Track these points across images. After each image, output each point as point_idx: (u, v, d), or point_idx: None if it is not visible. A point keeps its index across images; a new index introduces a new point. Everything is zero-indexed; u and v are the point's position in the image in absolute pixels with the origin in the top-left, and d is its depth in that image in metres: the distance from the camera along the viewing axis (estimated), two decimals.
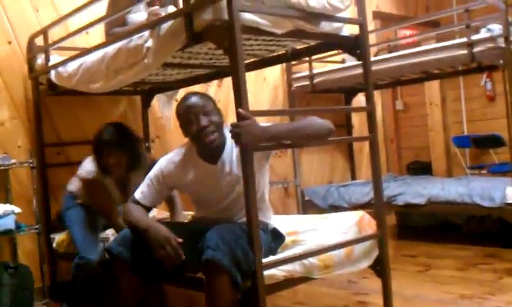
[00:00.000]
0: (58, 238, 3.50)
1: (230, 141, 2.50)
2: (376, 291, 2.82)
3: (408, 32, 6.45)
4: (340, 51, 3.79)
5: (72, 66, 3.27)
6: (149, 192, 2.61)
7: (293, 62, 5.16)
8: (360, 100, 5.61)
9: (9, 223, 3.12)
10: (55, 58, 3.50)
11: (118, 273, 2.48)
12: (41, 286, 3.56)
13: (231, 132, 2.14)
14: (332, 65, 5.27)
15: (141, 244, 2.40)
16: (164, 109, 4.22)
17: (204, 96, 2.55)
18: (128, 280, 2.47)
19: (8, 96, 3.70)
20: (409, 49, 4.67)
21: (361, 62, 2.74)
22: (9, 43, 3.74)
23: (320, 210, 4.98)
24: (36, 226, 3.42)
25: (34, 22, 3.81)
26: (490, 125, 6.26)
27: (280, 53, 3.14)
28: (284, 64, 5.21)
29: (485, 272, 3.75)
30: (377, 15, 6.22)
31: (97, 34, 3.73)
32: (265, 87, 5.27)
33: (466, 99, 6.66)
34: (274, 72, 5.30)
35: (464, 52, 4.16)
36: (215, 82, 4.51)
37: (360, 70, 2.81)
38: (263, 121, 2.32)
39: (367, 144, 2.86)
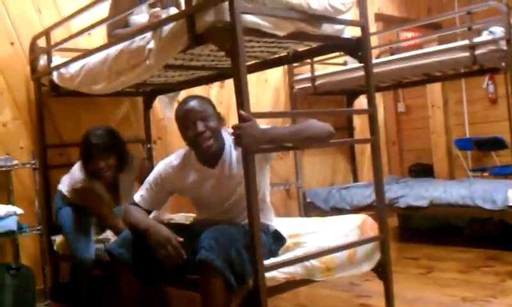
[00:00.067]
0: (59, 239, 3.50)
1: (229, 144, 2.50)
2: (378, 294, 2.81)
3: (409, 34, 6.45)
4: (341, 53, 3.78)
5: (74, 68, 3.28)
6: (148, 195, 2.61)
7: (295, 64, 5.16)
8: (361, 102, 5.61)
9: (11, 224, 3.12)
10: (57, 59, 3.51)
11: (118, 274, 2.49)
12: (43, 287, 3.56)
13: (232, 134, 2.14)
14: (334, 67, 5.27)
15: (142, 245, 2.40)
16: (166, 110, 4.23)
17: (203, 100, 2.55)
18: (129, 281, 2.48)
19: (10, 97, 3.71)
20: (411, 51, 4.67)
21: (362, 64, 2.74)
22: (12, 44, 3.74)
23: (322, 212, 4.98)
24: (38, 227, 3.42)
25: (37, 23, 3.82)
26: (492, 127, 6.26)
27: (281, 55, 3.14)
28: (286, 66, 5.21)
29: (487, 275, 3.75)
30: (379, 17, 6.22)
31: (99, 36, 3.73)
32: (267, 88, 5.27)
33: (468, 101, 6.65)
34: (276, 74, 5.30)
35: (466, 54, 4.15)
36: (217, 83, 4.51)
37: (361, 72, 2.82)
38: (264, 123, 2.33)
39: (368, 146, 2.86)
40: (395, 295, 2.71)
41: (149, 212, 2.65)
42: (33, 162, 3.53)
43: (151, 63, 2.58)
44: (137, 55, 2.68)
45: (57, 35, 3.55)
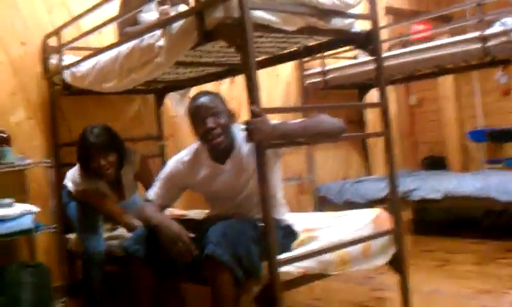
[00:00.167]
0: (73, 237, 3.52)
1: (239, 139, 2.51)
2: (393, 287, 2.81)
3: (420, 27, 6.40)
4: (352, 47, 3.77)
5: (85, 66, 3.30)
6: (161, 192, 2.64)
7: (305, 59, 5.15)
8: (373, 95, 5.59)
9: (27, 223, 3.14)
10: (68, 58, 3.53)
11: (134, 270, 2.50)
12: (59, 284, 3.59)
13: (244, 129, 2.14)
14: (344, 61, 5.26)
15: (156, 241, 2.42)
16: (177, 107, 4.24)
17: (214, 96, 2.55)
18: (144, 277, 2.49)
19: (23, 97, 3.74)
20: (422, 44, 4.64)
21: (373, 58, 2.73)
22: (24, 44, 3.76)
23: (335, 206, 4.97)
24: (54, 226, 3.45)
25: (47, 23, 3.83)
26: (505, 118, 6.20)
27: (292, 50, 3.14)
28: (296, 60, 5.20)
29: (503, 267, 3.72)
30: (389, 10, 6.19)
31: (110, 34, 3.74)
32: (278, 83, 5.27)
33: (481, 93, 6.59)
34: (287, 68, 5.30)
35: (478, 46, 4.13)
36: (227, 79, 4.51)
37: (372, 66, 2.81)
38: (276, 118, 2.33)
39: (381, 139, 2.85)
40: (410, 288, 2.70)
41: (163, 208, 2.66)
42: (47, 160, 3.55)
43: (161, 60, 2.58)
44: (148, 52, 2.69)
45: (68, 34, 3.57)
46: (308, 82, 5.38)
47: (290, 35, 2.58)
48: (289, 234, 2.59)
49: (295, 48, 3.11)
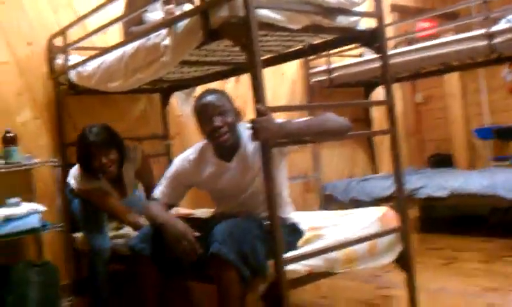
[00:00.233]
0: (79, 236, 3.53)
1: (245, 137, 2.51)
2: (400, 285, 2.80)
3: (425, 24, 6.39)
4: (357, 45, 3.78)
5: (91, 66, 3.31)
6: (167, 190, 2.66)
7: (311, 57, 5.15)
8: (379, 93, 5.57)
9: (34, 222, 3.15)
10: (74, 58, 3.54)
11: (140, 269, 2.51)
12: (66, 283, 3.60)
13: (250, 128, 2.14)
14: (350, 59, 5.25)
15: (162, 239, 2.43)
16: (183, 106, 4.25)
17: (221, 94, 2.56)
18: (151, 275, 2.50)
19: (29, 97, 3.75)
20: (428, 42, 4.63)
21: (379, 55, 2.72)
22: (30, 44, 3.78)
23: (341, 205, 4.97)
24: (61, 224, 3.46)
25: (53, 23, 3.84)
26: None
27: (297, 48, 3.13)
28: (302, 58, 5.20)
29: (510, 265, 3.71)
30: (394, 7, 6.18)
31: (115, 33, 3.75)
32: (284, 82, 5.27)
33: (487, 90, 6.57)
34: (292, 67, 5.30)
35: (484, 43, 4.11)
36: (233, 78, 4.51)
37: (378, 64, 2.80)
38: (281, 117, 2.33)
39: (387, 137, 2.84)
40: (417, 286, 2.70)
41: (169, 207, 2.67)
42: (54, 160, 3.56)
43: (167, 60, 2.59)
44: (153, 52, 2.69)
45: (73, 34, 3.58)
46: (313, 80, 5.38)
47: (295, 33, 2.57)
48: (294, 232, 2.59)
49: (300, 47, 3.10)
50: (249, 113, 2.29)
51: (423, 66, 4.85)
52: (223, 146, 2.51)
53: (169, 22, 2.58)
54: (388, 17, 5.80)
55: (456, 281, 3.44)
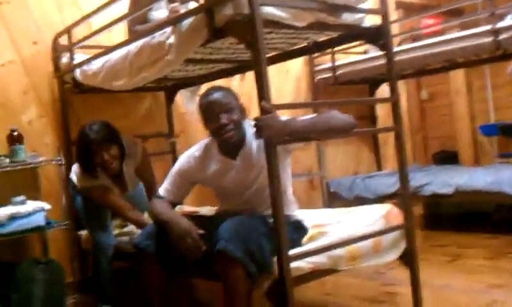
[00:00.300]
0: (84, 234, 3.54)
1: (250, 134, 2.51)
2: (404, 282, 2.81)
3: (431, 21, 6.37)
4: (362, 42, 3.77)
5: (96, 64, 3.31)
6: (172, 188, 2.66)
7: (315, 54, 5.14)
8: (384, 90, 5.57)
9: (39, 220, 3.17)
10: (79, 57, 3.54)
11: (145, 266, 2.52)
12: (71, 281, 3.61)
13: (254, 126, 2.15)
14: (355, 56, 5.24)
15: (166, 237, 2.43)
16: (187, 104, 4.25)
17: (227, 92, 2.56)
18: (156, 273, 2.51)
19: (35, 96, 3.76)
20: (433, 38, 4.62)
21: (384, 52, 2.72)
22: (35, 43, 3.79)
23: (346, 202, 4.96)
24: (66, 222, 3.47)
25: (58, 21, 3.86)
26: None
27: (302, 45, 3.13)
28: (306, 56, 5.19)
29: None
30: (399, 4, 6.16)
31: (120, 32, 3.76)
32: (288, 79, 5.26)
33: (493, 87, 6.55)
34: (297, 64, 5.29)
35: (489, 39, 4.10)
36: (237, 76, 4.52)
37: (383, 61, 2.80)
38: (286, 114, 2.33)
39: (392, 134, 2.84)
40: (421, 283, 2.70)
41: (174, 205, 2.68)
42: (59, 158, 3.57)
43: (171, 58, 2.59)
44: (158, 50, 2.69)
45: (78, 33, 3.59)
46: (318, 77, 5.37)
47: (300, 31, 2.58)
48: (299, 229, 2.60)
49: (305, 44, 3.10)
50: (254, 110, 2.29)
51: (428, 63, 4.84)
52: (228, 143, 2.52)
53: (173, 21, 2.58)
54: (393, 14, 5.79)
55: (460, 278, 3.44)
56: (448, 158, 6.39)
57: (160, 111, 4.37)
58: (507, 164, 5.68)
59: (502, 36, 4.03)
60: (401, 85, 5.91)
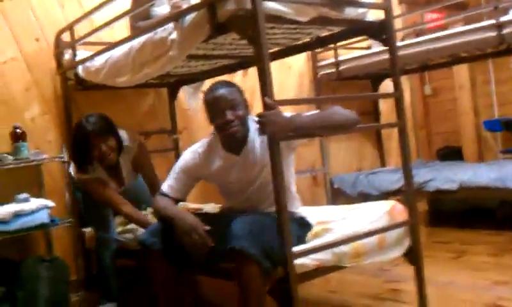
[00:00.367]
0: (89, 231, 3.54)
1: (253, 130, 2.51)
2: (409, 279, 2.80)
3: (434, 15, 6.34)
4: (365, 37, 3.75)
5: (98, 61, 3.31)
6: (176, 184, 2.64)
7: (318, 50, 5.13)
8: (387, 85, 5.55)
9: (43, 217, 3.16)
10: (82, 53, 3.54)
11: (151, 264, 2.50)
12: (75, 278, 3.61)
13: (257, 122, 2.14)
14: (358, 51, 5.22)
15: (172, 233, 2.42)
16: (190, 100, 4.24)
17: (233, 87, 2.55)
18: (162, 270, 2.49)
19: (37, 93, 3.76)
20: (436, 33, 4.60)
21: (387, 47, 2.71)
22: (37, 40, 3.79)
23: (350, 198, 4.96)
24: (69, 220, 3.47)
25: (60, 18, 3.85)
26: None
27: (304, 41, 3.12)
28: (309, 51, 5.18)
29: None
30: None
31: (122, 28, 3.75)
32: (291, 75, 5.25)
33: (496, 82, 6.52)
34: (299, 60, 5.28)
35: (493, 34, 4.07)
36: (240, 71, 4.51)
37: (386, 56, 2.78)
38: (289, 110, 2.32)
39: (395, 130, 2.83)
40: (426, 280, 2.69)
41: (178, 201, 2.67)
42: (62, 155, 3.57)
43: (174, 54, 2.58)
44: (160, 46, 2.69)
45: (80, 29, 3.58)
46: (321, 73, 5.36)
47: (302, 26, 2.57)
48: (303, 226, 2.59)
49: (307, 40, 3.09)
50: (257, 106, 2.28)
51: (431, 58, 4.81)
52: (232, 138, 2.51)
53: (176, 16, 2.57)
54: (396, 9, 5.77)
55: (464, 275, 3.42)
56: (452, 153, 6.37)
57: (163, 108, 4.36)
58: (511, 159, 5.66)
59: (506, 30, 4.01)
60: (404, 80, 5.89)
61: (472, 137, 6.40)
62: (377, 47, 4.71)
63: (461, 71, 6.31)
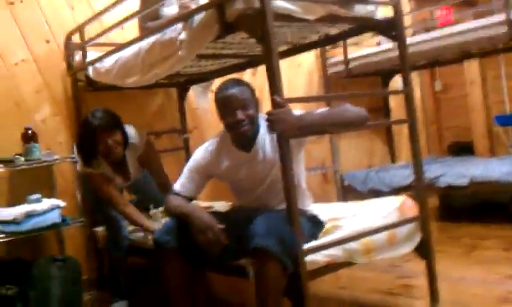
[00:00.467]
0: (100, 230, 3.56)
1: (263, 128, 2.51)
2: (420, 274, 2.79)
3: (444, 12, 6.31)
4: (375, 34, 3.74)
5: (108, 62, 3.32)
6: (188, 183, 2.65)
7: (327, 48, 5.12)
8: (397, 81, 5.53)
9: (55, 217, 3.19)
10: (92, 54, 3.56)
11: (165, 261, 2.49)
12: (87, 277, 3.64)
13: (267, 120, 2.14)
14: (367, 49, 5.21)
15: (186, 231, 2.43)
16: (199, 100, 4.25)
17: (244, 86, 2.55)
18: (176, 268, 2.48)
19: (48, 95, 3.79)
20: (446, 29, 4.58)
21: (397, 44, 2.70)
22: (47, 42, 3.81)
23: (360, 195, 4.94)
24: (81, 219, 3.49)
25: (70, 19, 3.88)
26: None
27: (313, 39, 3.12)
28: (318, 49, 5.17)
29: None
30: None
31: (132, 29, 3.77)
32: (300, 73, 5.25)
33: (507, 77, 6.48)
34: (309, 58, 5.28)
35: (504, 29, 4.05)
36: (249, 70, 4.51)
37: (396, 52, 2.78)
38: (298, 108, 2.32)
39: (406, 126, 2.82)
40: (437, 275, 2.68)
41: (190, 200, 2.68)
42: (73, 155, 3.59)
43: (183, 54, 2.59)
44: (170, 46, 2.70)
45: (90, 31, 3.60)
46: (331, 71, 5.35)
47: (311, 24, 2.56)
48: (316, 224, 2.59)
49: (316, 38, 3.09)
50: (266, 104, 2.29)
51: (441, 54, 4.79)
52: (243, 136, 2.51)
53: (184, 16, 2.58)
54: (406, 5, 5.74)
55: (476, 270, 3.41)
56: (463, 149, 6.34)
57: (173, 107, 4.38)
58: None
59: None
60: (415, 76, 5.87)
61: (482, 132, 6.37)
62: (387, 43, 4.70)
63: (472, 67, 6.27)
